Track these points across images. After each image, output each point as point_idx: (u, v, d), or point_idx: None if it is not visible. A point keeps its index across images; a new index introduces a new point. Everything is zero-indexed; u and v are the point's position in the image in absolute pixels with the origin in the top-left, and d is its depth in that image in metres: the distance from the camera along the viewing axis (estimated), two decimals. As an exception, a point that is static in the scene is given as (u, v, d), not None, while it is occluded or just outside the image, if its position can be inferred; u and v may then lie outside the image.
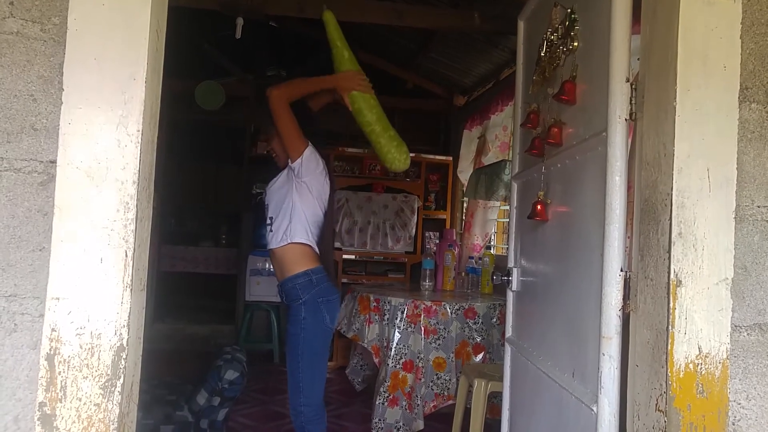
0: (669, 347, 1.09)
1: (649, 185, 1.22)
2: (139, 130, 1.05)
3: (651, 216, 1.20)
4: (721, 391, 1.10)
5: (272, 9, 2.91)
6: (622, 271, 1.25)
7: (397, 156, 2.17)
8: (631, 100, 1.28)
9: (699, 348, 1.10)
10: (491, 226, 4.16)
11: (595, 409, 1.26)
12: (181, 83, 4.16)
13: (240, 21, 3.03)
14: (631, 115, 1.28)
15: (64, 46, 1.04)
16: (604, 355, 1.24)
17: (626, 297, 1.25)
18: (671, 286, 1.11)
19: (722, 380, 1.10)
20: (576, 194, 1.52)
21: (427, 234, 4.78)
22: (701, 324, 1.10)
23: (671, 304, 1.10)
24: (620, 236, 1.26)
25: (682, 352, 1.09)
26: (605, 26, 1.33)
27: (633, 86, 1.28)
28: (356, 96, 2.14)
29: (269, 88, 1.98)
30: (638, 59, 1.32)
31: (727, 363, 1.10)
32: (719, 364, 1.10)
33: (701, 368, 1.09)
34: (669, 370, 1.09)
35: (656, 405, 1.12)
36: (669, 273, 1.11)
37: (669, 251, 1.12)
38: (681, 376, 1.09)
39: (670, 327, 1.10)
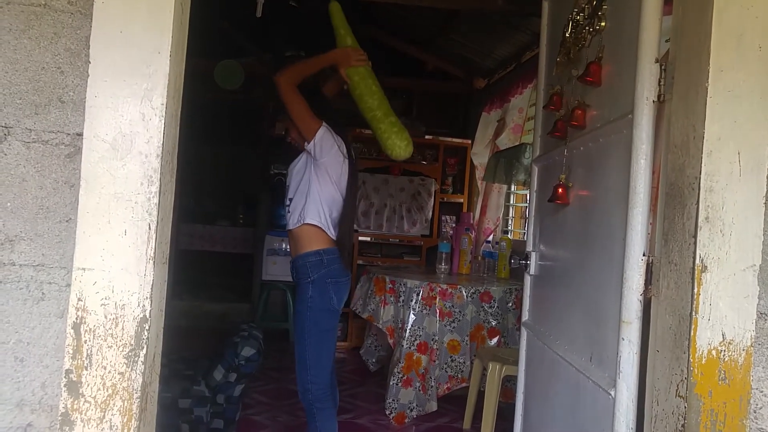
0: (692, 333, 1.08)
1: (676, 169, 1.20)
2: (163, 104, 1.05)
3: (677, 200, 1.18)
4: (744, 378, 1.08)
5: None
6: (644, 255, 1.23)
7: (397, 143, 2.11)
8: (660, 82, 1.25)
9: (723, 334, 1.08)
10: (502, 210, 4.14)
11: (612, 393, 1.26)
12: (201, 62, 4.16)
13: (261, -1, 3.01)
14: (659, 96, 1.25)
15: (91, 18, 1.05)
16: (623, 339, 1.23)
17: (648, 282, 1.24)
18: (696, 272, 1.09)
19: (745, 367, 1.08)
20: (599, 177, 1.50)
21: (443, 217, 4.77)
22: (726, 310, 1.08)
23: (695, 290, 1.09)
24: (644, 220, 1.24)
25: (705, 338, 1.08)
26: (635, 5, 1.29)
27: (662, 67, 1.25)
28: (357, 81, 2.12)
29: (276, 75, 1.99)
30: (666, 41, 1.29)
31: (751, 350, 1.08)
32: (743, 351, 1.08)
33: (724, 355, 1.08)
34: (691, 356, 1.08)
35: (676, 391, 1.11)
36: (694, 258, 1.09)
37: (695, 236, 1.10)
38: (703, 362, 1.08)
39: (693, 313, 1.08)
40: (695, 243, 1.10)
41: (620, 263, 1.27)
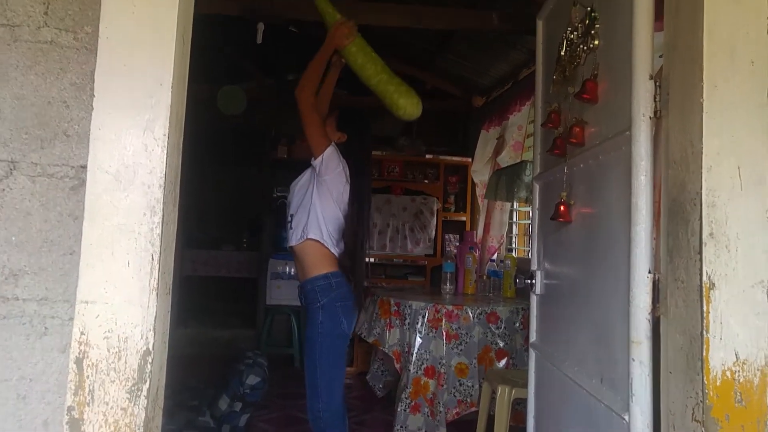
0: (704, 353, 1.06)
1: (677, 184, 1.19)
2: (165, 135, 1.06)
3: (679, 216, 1.17)
4: (761, 399, 1.05)
5: (293, 14, 2.94)
6: (650, 273, 1.22)
7: (410, 101, 2.17)
8: (655, 98, 1.26)
9: (736, 354, 1.06)
10: (505, 227, 4.13)
11: (626, 418, 1.23)
12: (203, 88, 4.20)
13: (261, 26, 3.06)
14: (655, 112, 1.26)
15: (96, 53, 1.06)
16: (634, 360, 1.21)
17: (655, 300, 1.22)
18: (704, 289, 1.07)
19: (761, 388, 1.05)
20: (600, 195, 1.49)
21: (447, 236, 4.75)
22: (737, 329, 1.06)
23: (705, 308, 1.07)
24: (647, 237, 1.23)
25: (719, 358, 1.06)
26: (627, 23, 1.31)
27: (657, 83, 1.26)
28: (355, 53, 2.14)
29: (295, 90, 2.02)
30: (660, 56, 1.30)
31: (766, 370, 1.06)
32: (758, 371, 1.06)
33: (739, 376, 1.06)
34: (705, 378, 1.05)
35: (692, 415, 1.08)
36: (701, 275, 1.08)
37: (700, 252, 1.09)
38: (718, 384, 1.05)
39: (704, 332, 1.06)
40: (701, 260, 1.09)
41: (626, 281, 1.26)
